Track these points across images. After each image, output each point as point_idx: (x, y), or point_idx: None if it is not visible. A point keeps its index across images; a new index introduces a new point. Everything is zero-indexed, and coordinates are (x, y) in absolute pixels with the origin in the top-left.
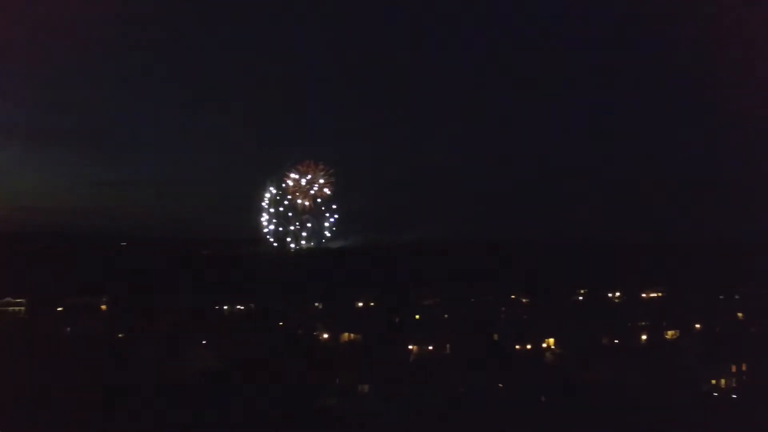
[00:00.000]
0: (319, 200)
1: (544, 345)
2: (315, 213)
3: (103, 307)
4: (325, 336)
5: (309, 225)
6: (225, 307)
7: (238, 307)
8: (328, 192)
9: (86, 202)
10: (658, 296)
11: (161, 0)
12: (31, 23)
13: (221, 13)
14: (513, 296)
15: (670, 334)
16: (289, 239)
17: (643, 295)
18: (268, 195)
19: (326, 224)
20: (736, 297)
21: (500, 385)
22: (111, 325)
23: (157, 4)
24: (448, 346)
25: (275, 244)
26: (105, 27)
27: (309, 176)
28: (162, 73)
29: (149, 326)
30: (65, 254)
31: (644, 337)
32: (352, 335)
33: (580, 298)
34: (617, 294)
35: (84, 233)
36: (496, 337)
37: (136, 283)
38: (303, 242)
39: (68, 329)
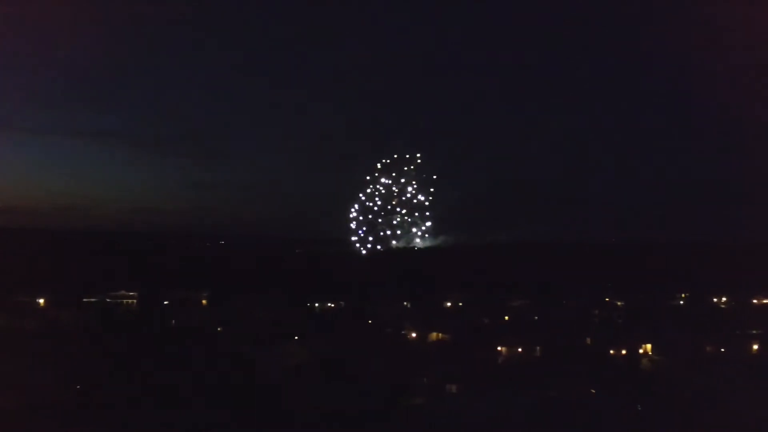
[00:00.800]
0: (411, 204)
1: (641, 351)
2: (405, 213)
3: (204, 301)
4: (413, 335)
5: (399, 226)
6: (316, 305)
7: (329, 305)
8: (420, 195)
9: (188, 203)
10: None
11: (252, 6)
12: (132, 37)
13: (309, 15)
14: (607, 299)
15: None
16: (379, 239)
17: (755, 301)
18: (360, 196)
19: (416, 225)
20: None
21: (593, 390)
22: (210, 319)
23: (248, 9)
24: (538, 348)
25: (366, 245)
26: (202, 36)
27: (400, 177)
28: (256, 76)
29: (245, 320)
30: (170, 252)
31: (755, 347)
32: (439, 335)
33: (682, 302)
34: (723, 299)
35: (186, 232)
36: (588, 341)
37: (234, 280)
38: (393, 242)
39: (173, 321)
